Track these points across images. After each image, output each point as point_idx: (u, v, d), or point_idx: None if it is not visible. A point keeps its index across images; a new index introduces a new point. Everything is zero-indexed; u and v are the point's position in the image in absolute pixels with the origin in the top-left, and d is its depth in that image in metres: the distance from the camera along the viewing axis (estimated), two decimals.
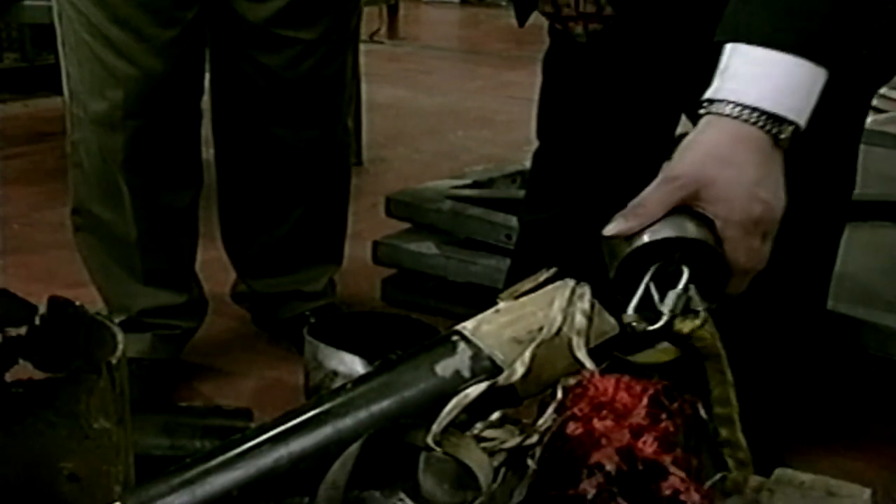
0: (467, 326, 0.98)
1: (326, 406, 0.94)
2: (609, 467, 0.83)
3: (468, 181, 2.31)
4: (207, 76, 1.84)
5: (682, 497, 0.84)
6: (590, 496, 0.82)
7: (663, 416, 0.88)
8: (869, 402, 1.83)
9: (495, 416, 0.92)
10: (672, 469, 0.85)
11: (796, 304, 1.48)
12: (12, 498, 1.01)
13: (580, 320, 0.97)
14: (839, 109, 1.22)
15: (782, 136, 0.95)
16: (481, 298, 1.99)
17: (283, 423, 0.96)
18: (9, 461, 1.00)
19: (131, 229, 1.78)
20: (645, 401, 0.88)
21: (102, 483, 1.05)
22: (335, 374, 1.19)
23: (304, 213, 1.92)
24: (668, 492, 0.84)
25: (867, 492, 1.25)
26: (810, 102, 0.97)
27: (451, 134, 3.80)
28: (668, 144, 1.52)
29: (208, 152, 1.96)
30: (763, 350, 1.48)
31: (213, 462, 0.98)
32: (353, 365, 1.18)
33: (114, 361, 1.00)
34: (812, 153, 1.30)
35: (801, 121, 0.96)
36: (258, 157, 1.88)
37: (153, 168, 1.76)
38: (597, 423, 0.87)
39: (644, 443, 0.85)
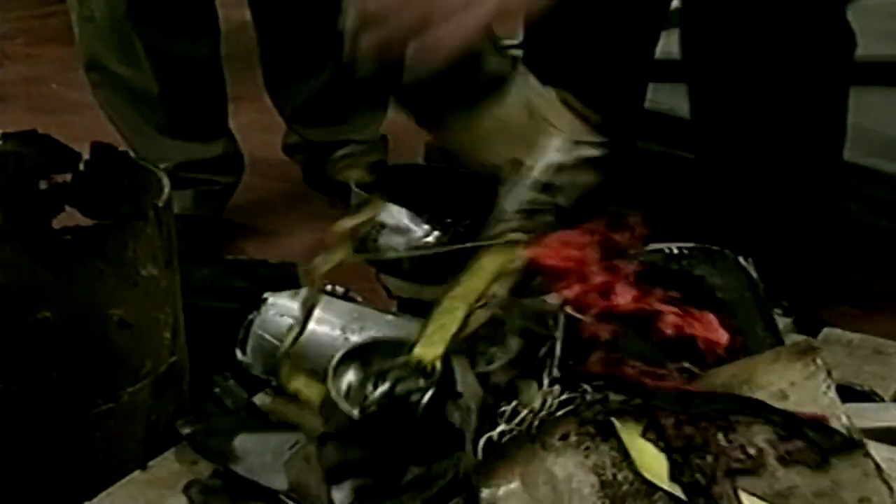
0: None
1: None
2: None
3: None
4: None
5: (688, 330, 0.83)
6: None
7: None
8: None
9: None
10: (660, 307, 0.84)
11: (813, 157, 1.47)
12: (64, 345, 1.02)
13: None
14: None
15: None
16: None
17: None
18: (59, 309, 1.01)
19: (151, 83, 1.75)
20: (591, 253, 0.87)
21: (152, 329, 1.05)
22: (382, 226, 1.18)
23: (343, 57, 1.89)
24: (670, 331, 0.84)
25: None
26: None
27: None
28: None
29: (244, 13, 1.92)
30: (786, 207, 1.48)
31: None
32: (400, 217, 1.17)
33: (160, 205, 1.00)
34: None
35: None
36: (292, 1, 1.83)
37: (163, 16, 1.72)
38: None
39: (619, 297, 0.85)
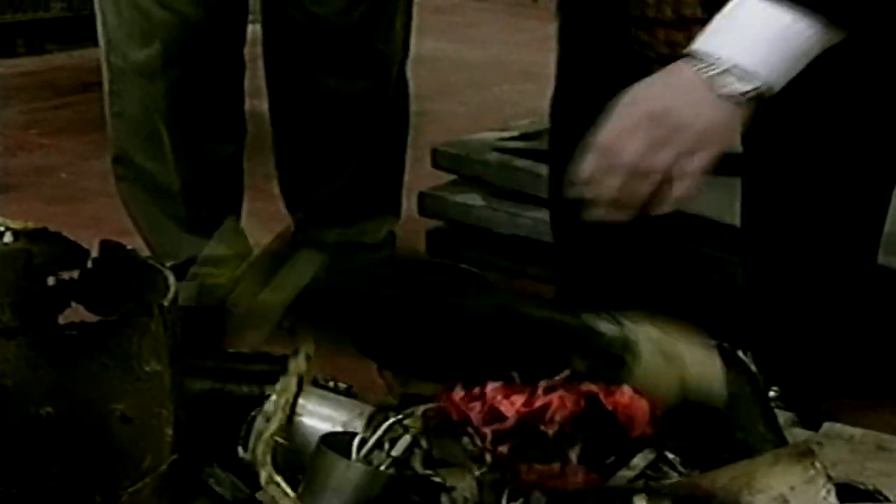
0: None
1: None
2: None
3: (515, 133, 2.29)
4: (252, 27, 1.82)
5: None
6: None
7: None
8: None
9: None
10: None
11: (846, 258, 1.47)
12: (65, 438, 1.02)
13: None
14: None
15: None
16: (527, 251, 2.03)
17: None
18: (62, 402, 1.02)
19: (174, 179, 1.78)
20: None
21: (154, 424, 1.06)
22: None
23: (360, 165, 1.91)
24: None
25: None
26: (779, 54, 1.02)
27: (496, 87, 3.76)
28: None
29: (261, 104, 1.95)
30: (812, 304, 1.47)
31: None
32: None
33: (166, 304, 1.01)
34: (861, 103, 1.28)
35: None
36: (310, 107, 1.86)
37: (194, 118, 1.75)
38: None
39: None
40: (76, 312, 1.16)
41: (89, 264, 1.15)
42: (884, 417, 1.52)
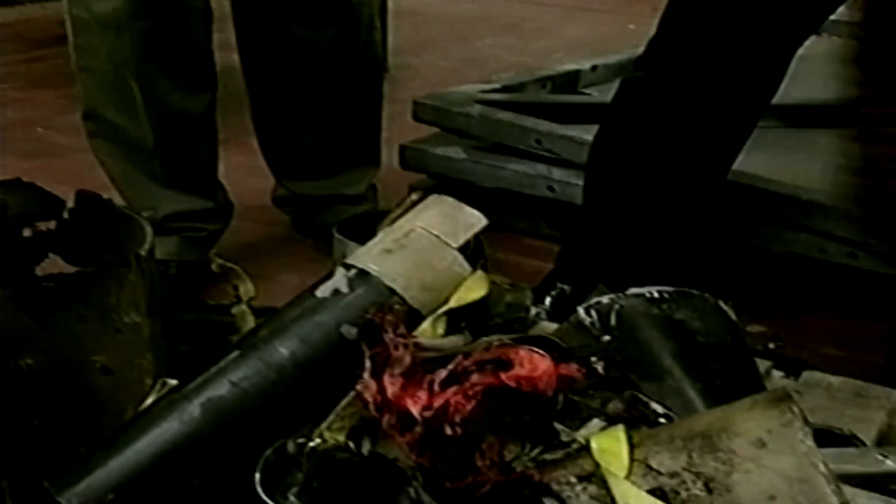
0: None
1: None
2: None
3: (497, 86, 2.28)
4: None
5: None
6: None
7: None
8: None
9: None
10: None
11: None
12: (46, 392, 1.02)
13: (437, 217, 0.98)
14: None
15: None
16: (510, 204, 2.03)
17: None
18: (41, 355, 1.01)
19: (147, 134, 1.76)
20: None
21: (134, 376, 1.06)
22: None
23: (336, 115, 1.90)
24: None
25: (892, 392, 1.25)
26: None
27: (480, 41, 3.74)
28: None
29: (234, 57, 1.94)
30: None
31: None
32: None
33: (143, 253, 1.00)
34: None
35: None
36: (281, 58, 1.85)
37: (164, 71, 1.73)
38: None
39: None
40: (54, 264, 1.16)
41: (66, 215, 1.14)
42: (862, 366, 1.53)
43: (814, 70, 1.66)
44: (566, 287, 1.52)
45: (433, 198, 1.04)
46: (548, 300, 1.47)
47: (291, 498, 0.89)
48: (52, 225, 1.15)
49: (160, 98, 1.74)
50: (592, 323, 1.12)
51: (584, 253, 1.62)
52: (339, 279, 0.97)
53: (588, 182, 1.66)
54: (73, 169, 2.32)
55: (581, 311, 1.13)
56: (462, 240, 0.99)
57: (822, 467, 0.72)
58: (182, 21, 1.72)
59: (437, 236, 0.98)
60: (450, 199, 1.03)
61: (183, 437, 0.91)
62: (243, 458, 0.92)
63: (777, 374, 1.33)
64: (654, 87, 1.54)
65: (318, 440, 0.91)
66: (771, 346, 1.49)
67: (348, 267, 0.98)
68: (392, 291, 0.95)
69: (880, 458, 1.00)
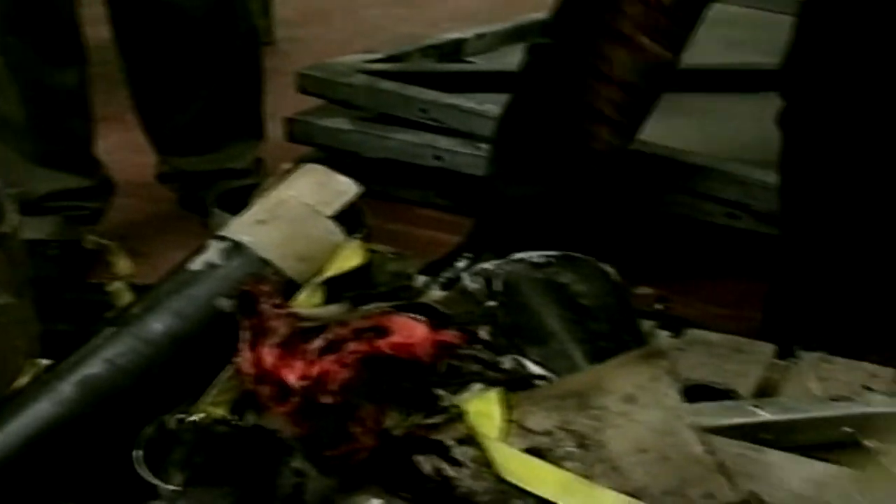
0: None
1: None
2: None
3: (381, 55, 2.27)
4: None
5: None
6: None
7: None
8: None
9: None
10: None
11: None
12: None
13: (309, 187, 0.99)
14: None
15: None
16: (397, 173, 2.03)
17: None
18: None
19: (17, 110, 1.71)
20: None
21: (10, 358, 1.03)
22: None
23: (216, 88, 1.87)
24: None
25: (769, 346, 1.29)
26: None
27: (367, 11, 3.71)
28: None
29: (107, 31, 1.89)
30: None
31: None
32: None
33: (8, 231, 0.97)
34: None
35: None
36: (155, 29, 1.81)
37: (28, 43, 1.68)
38: None
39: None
40: None
41: None
42: (746, 323, 1.58)
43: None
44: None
45: (305, 167, 1.04)
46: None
47: (173, 474, 0.88)
48: None
49: (27, 71, 1.69)
50: (478, 289, 1.13)
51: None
52: (213, 252, 0.96)
53: (499, 151, 1.61)
54: None
55: (466, 277, 1.13)
56: (335, 208, 0.99)
57: (686, 419, 0.73)
58: None
59: (309, 205, 0.97)
60: (321, 168, 1.02)
61: (56, 417, 0.90)
62: (122, 436, 0.91)
63: (663, 333, 1.35)
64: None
65: (199, 415, 0.91)
66: (658, 306, 1.52)
67: (221, 239, 0.98)
68: (266, 262, 0.95)
69: (753, 409, 1.03)
